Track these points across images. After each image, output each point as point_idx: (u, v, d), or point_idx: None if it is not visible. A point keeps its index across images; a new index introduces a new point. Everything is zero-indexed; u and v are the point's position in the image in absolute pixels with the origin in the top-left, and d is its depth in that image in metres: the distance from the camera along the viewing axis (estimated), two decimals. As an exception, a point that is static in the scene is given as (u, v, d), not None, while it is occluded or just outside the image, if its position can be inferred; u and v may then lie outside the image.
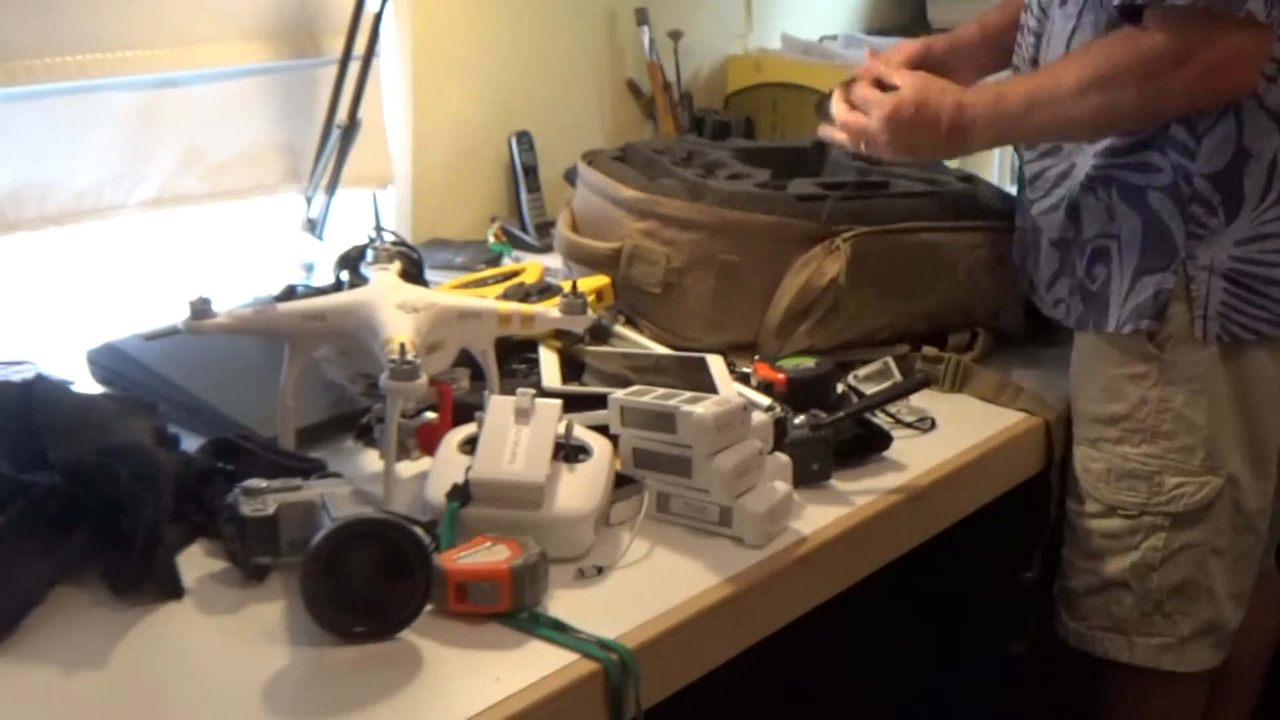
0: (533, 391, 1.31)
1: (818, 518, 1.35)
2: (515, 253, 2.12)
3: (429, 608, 1.11)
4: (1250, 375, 1.50)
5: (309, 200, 1.95)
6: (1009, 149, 2.28)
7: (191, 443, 1.34)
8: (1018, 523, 1.62)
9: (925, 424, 1.56)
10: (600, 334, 1.61)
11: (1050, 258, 1.63)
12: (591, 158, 1.86)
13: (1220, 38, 1.37)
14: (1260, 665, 1.85)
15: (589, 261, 1.75)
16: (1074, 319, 1.60)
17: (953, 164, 2.04)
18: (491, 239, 2.12)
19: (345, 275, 1.64)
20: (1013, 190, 1.89)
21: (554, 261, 1.92)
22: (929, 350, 1.68)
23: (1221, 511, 1.54)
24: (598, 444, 1.32)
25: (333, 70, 1.92)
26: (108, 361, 1.58)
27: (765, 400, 1.47)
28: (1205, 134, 1.45)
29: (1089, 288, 1.56)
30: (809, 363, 1.53)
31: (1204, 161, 1.46)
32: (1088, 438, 1.59)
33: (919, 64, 1.72)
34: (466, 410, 1.35)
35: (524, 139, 2.28)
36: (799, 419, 1.42)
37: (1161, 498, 1.54)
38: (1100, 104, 1.44)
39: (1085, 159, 1.56)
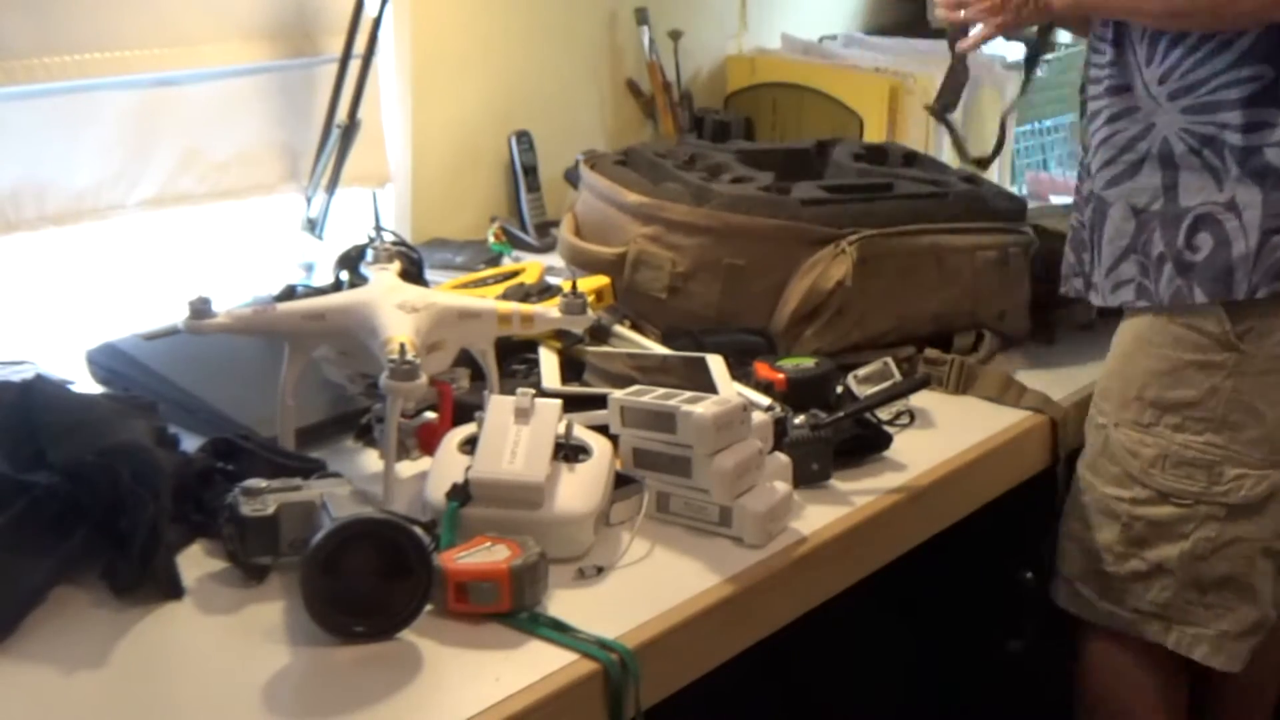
0: (533, 391, 1.31)
1: (817, 518, 1.35)
2: (515, 253, 2.12)
3: (429, 608, 1.11)
4: None
5: (309, 200, 1.95)
6: (1005, 152, 2.28)
7: (191, 443, 1.34)
8: (1017, 522, 1.62)
9: (904, 419, 1.56)
10: (600, 334, 1.61)
11: (1122, 231, 1.56)
12: (594, 161, 1.86)
13: None
14: (1277, 675, 1.81)
15: (593, 267, 1.75)
16: (1158, 295, 1.53)
17: (955, 164, 2.04)
18: (491, 239, 2.12)
19: (345, 275, 1.64)
20: (1014, 190, 1.89)
21: (554, 261, 1.92)
22: (931, 352, 1.68)
23: (1278, 507, 1.53)
24: (598, 444, 1.31)
25: (331, 70, 1.92)
26: (107, 361, 1.58)
27: (765, 400, 1.47)
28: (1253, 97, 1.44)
29: (1188, 258, 1.50)
30: (808, 363, 1.53)
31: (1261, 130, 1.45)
32: (1138, 421, 1.56)
33: None
34: (466, 410, 1.35)
35: (524, 139, 2.28)
36: (799, 419, 1.42)
37: (1220, 488, 1.53)
38: None
39: (1169, 118, 1.51)
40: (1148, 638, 1.58)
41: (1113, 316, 1.62)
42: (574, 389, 1.48)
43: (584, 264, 1.77)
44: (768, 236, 1.66)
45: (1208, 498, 1.53)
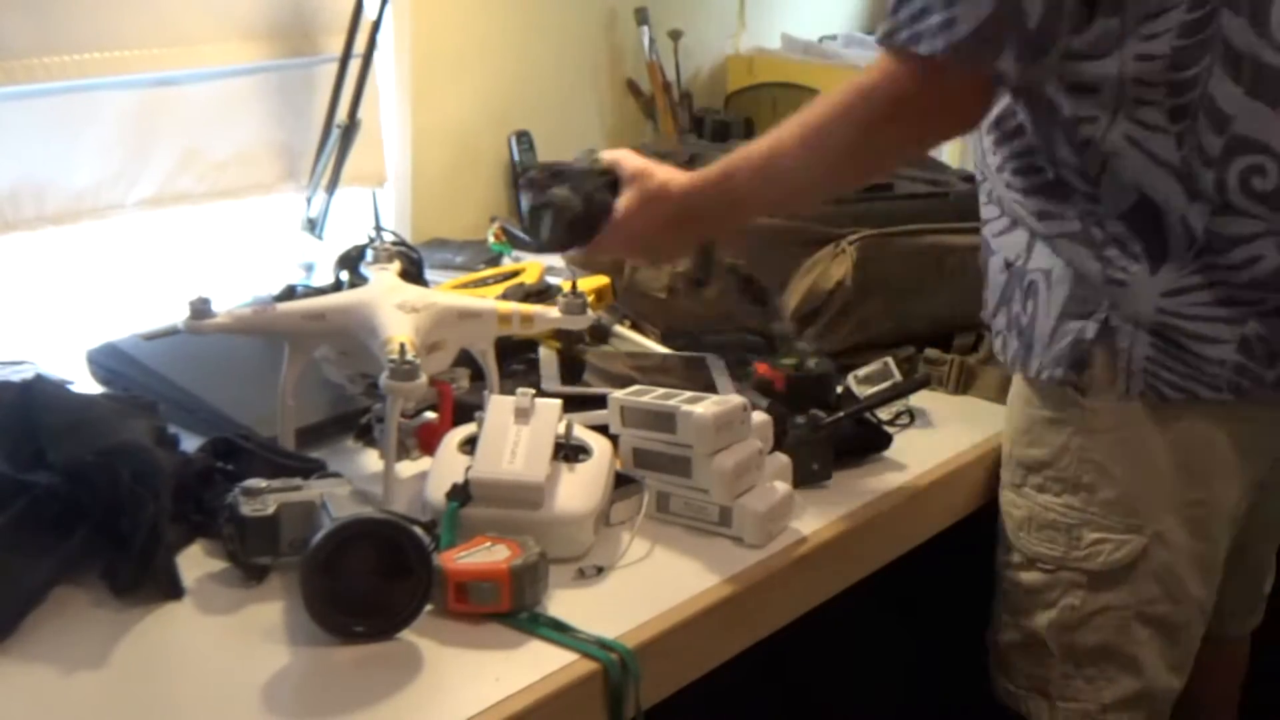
0: (532, 391, 1.31)
1: (817, 517, 1.35)
2: (515, 253, 2.12)
3: (429, 608, 1.11)
4: (1188, 435, 1.36)
5: (308, 200, 1.94)
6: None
7: (191, 442, 1.34)
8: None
9: (904, 420, 1.55)
10: (600, 334, 1.61)
11: (997, 282, 1.46)
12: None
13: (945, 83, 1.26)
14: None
15: (592, 266, 1.75)
16: (1008, 356, 1.45)
17: (954, 163, 2.04)
18: (491, 239, 2.12)
19: (344, 275, 1.64)
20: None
21: (554, 261, 1.92)
22: (932, 352, 1.68)
23: (1147, 574, 1.40)
24: (598, 444, 1.31)
25: (331, 70, 1.92)
26: (107, 361, 1.58)
27: (764, 400, 1.47)
28: (1099, 175, 1.31)
29: (1021, 323, 1.42)
30: (809, 362, 1.53)
31: (1111, 205, 1.32)
32: (1012, 482, 1.47)
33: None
34: (466, 410, 1.35)
35: (524, 139, 2.28)
36: (799, 419, 1.42)
37: (1079, 553, 1.41)
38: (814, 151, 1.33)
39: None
40: (1035, 718, 1.48)
41: None
42: (574, 389, 1.48)
43: (583, 263, 1.77)
44: (767, 236, 1.66)
45: (1069, 563, 1.42)
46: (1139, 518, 1.39)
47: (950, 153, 2.40)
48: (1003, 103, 1.37)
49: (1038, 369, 1.40)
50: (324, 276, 1.80)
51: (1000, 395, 1.62)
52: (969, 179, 1.86)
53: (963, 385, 1.65)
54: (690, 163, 1.82)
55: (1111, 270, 1.34)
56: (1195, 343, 1.32)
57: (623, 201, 1.45)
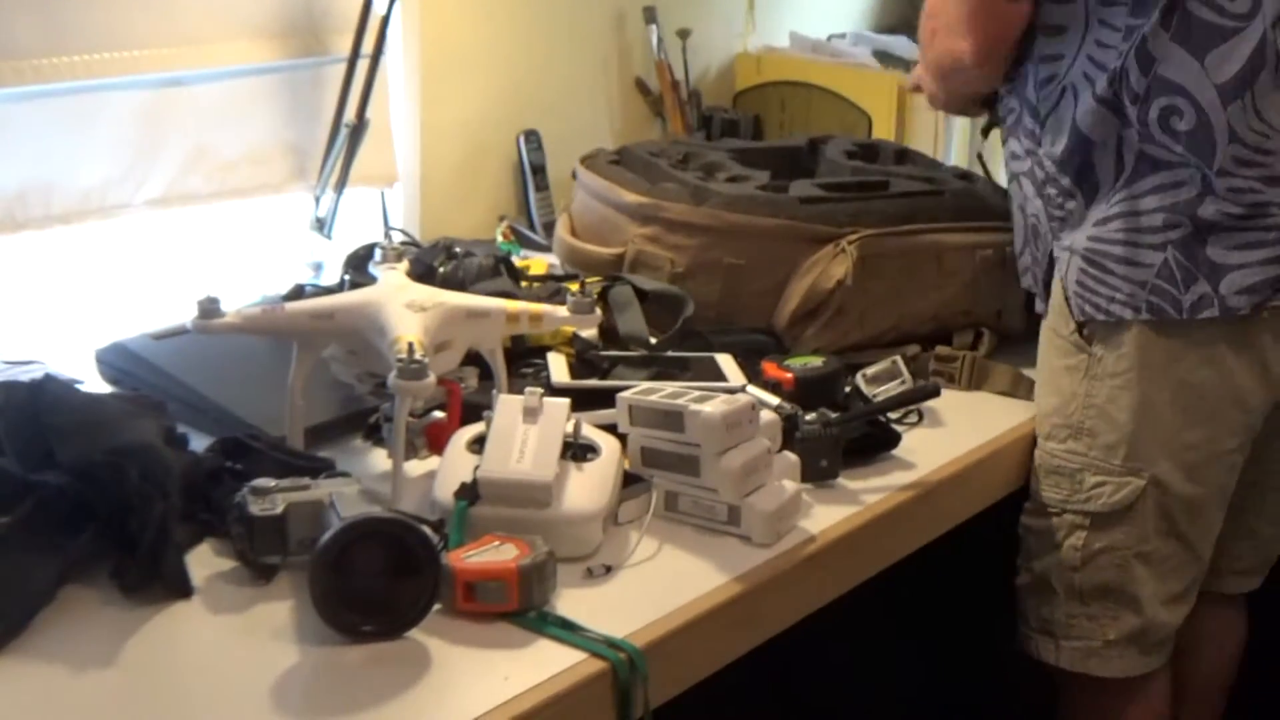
0: (541, 390, 1.31)
1: (826, 516, 1.35)
2: (523, 251, 2.12)
3: (437, 607, 1.11)
4: (1185, 376, 1.46)
5: (317, 199, 1.95)
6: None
7: (200, 442, 1.34)
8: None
9: (913, 418, 1.56)
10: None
11: (1018, 224, 1.64)
12: (589, 161, 1.86)
13: None
14: (1214, 709, 1.80)
15: (591, 267, 1.75)
16: (1036, 291, 1.62)
17: (961, 160, 2.04)
18: (500, 238, 2.12)
19: (350, 275, 1.64)
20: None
21: (553, 259, 1.92)
22: (943, 349, 1.68)
23: (1145, 515, 1.50)
24: (606, 443, 1.31)
25: (339, 69, 1.92)
26: (116, 361, 1.59)
27: (774, 399, 1.46)
28: (1047, 116, 1.49)
29: (1028, 262, 1.61)
30: (816, 362, 1.53)
31: (1049, 145, 1.49)
32: (1036, 431, 1.57)
33: None
34: (475, 409, 1.35)
35: (532, 138, 2.27)
36: (809, 416, 1.41)
37: (1081, 495, 1.51)
38: None
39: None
40: (1043, 658, 1.57)
41: None
42: (583, 383, 1.47)
43: (581, 264, 1.77)
44: (767, 235, 1.66)
45: (1072, 506, 1.52)
46: (1138, 460, 1.49)
47: (957, 150, 2.40)
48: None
49: (1043, 309, 1.57)
50: (333, 276, 1.80)
51: (1013, 388, 1.63)
52: (964, 176, 1.88)
53: (975, 381, 1.66)
54: (684, 161, 1.83)
55: (1052, 207, 1.52)
56: (1120, 265, 1.46)
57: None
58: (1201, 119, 1.40)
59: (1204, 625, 1.66)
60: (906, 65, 2.47)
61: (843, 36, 2.80)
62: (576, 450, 1.29)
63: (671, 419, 1.29)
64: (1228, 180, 1.41)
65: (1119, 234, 1.45)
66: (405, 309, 1.33)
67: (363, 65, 1.90)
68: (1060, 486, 1.53)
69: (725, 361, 1.53)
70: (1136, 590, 1.52)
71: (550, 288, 1.68)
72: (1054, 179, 1.50)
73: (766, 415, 1.36)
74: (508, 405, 1.29)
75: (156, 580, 1.15)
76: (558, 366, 1.50)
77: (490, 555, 1.14)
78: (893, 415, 1.53)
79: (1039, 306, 1.60)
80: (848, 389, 1.54)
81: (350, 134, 1.90)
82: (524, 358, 1.55)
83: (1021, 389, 1.64)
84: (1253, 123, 1.40)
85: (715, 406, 1.27)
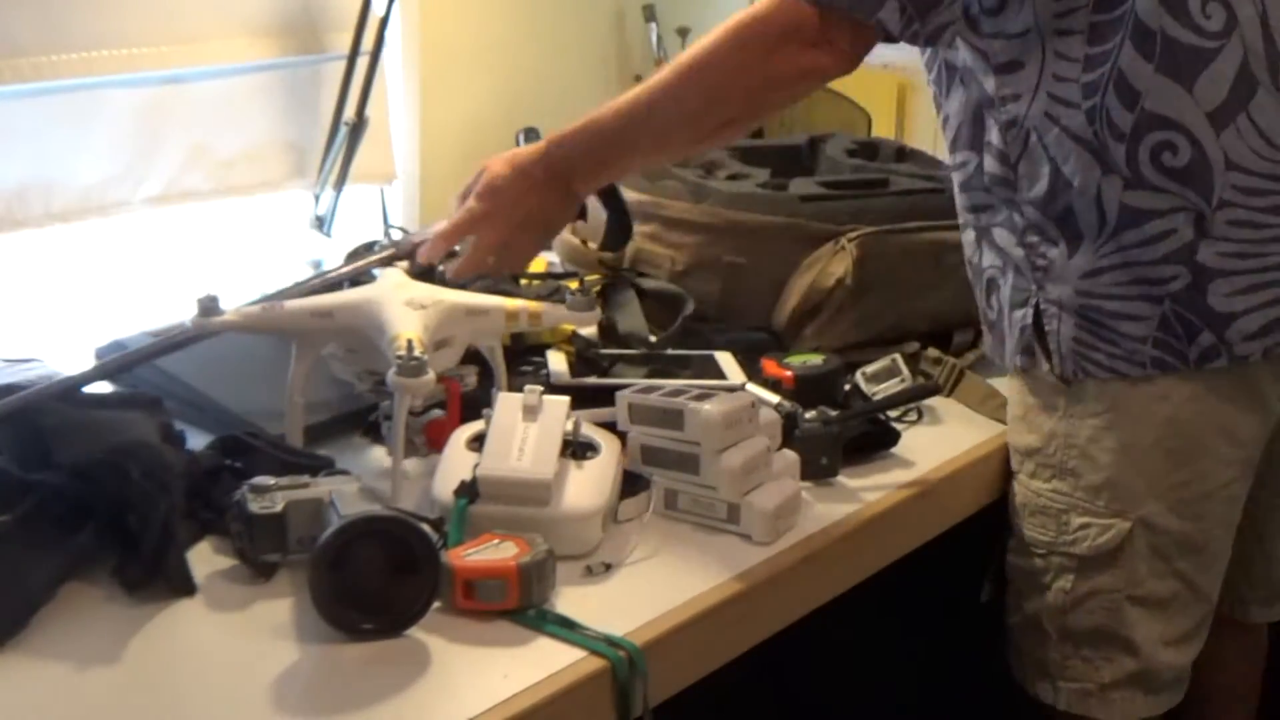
0: (540, 388, 1.31)
1: (825, 514, 1.35)
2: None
3: (437, 605, 1.11)
4: (1171, 414, 1.38)
5: (316, 197, 1.95)
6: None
7: (199, 440, 1.34)
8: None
9: (912, 416, 1.55)
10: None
11: (974, 283, 1.53)
12: None
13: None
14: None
15: (590, 265, 1.75)
16: (990, 351, 1.53)
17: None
18: (499, 236, 2.11)
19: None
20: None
21: (553, 258, 1.92)
22: (931, 352, 1.67)
23: (1136, 556, 1.41)
24: (605, 441, 1.31)
25: (338, 67, 1.92)
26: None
27: (773, 397, 1.46)
28: (1018, 160, 1.37)
29: (990, 318, 1.49)
30: (816, 359, 1.53)
31: (1027, 189, 1.38)
32: (1013, 469, 1.50)
33: None
34: (474, 407, 1.35)
35: (532, 135, 2.26)
36: (809, 414, 1.41)
37: (1067, 537, 1.44)
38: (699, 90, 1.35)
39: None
40: (1041, 699, 1.50)
41: None
42: (582, 380, 1.47)
43: (581, 263, 1.77)
44: (767, 233, 1.66)
45: (1058, 548, 1.45)
46: (1122, 502, 1.41)
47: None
48: (953, 104, 1.44)
49: (1010, 360, 1.46)
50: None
51: (981, 404, 1.60)
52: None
53: (952, 389, 1.63)
54: (684, 159, 1.82)
55: (1033, 255, 1.40)
56: (1117, 321, 1.36)
57: (482, 188, 1.46)
58: (1196, 152, 1.30)
59: (1224, 653, 1.58)
60: (907, 65, 2.47)
61: (842, 35, 2.80)
62: (576, 448, 1.29)
63: (671, 417, 1.29)
64: (1229, 213, 1.32)
65: (1113, 288, 1.36)
66: (405, 306, 1.33)
67: (362, 63, 1.90)
68: (1046, 528, 1.45)
69: (725, 359, 1.53)
70: (1130, 634, 1.44)
71: (550, 285, 1.68)
72: (1036, 225, 1.38)
73: (766, 413, 1.36)
74: (507, 403, 1.29)
75: (159, 578, 1.15)
76: (557, 364, 1.51)
77: (490, 553, 1.14)
78: (892, 413, 1.53)
79: (1014, 360, 1.46)
80: (847, 387, 1.54)
81: (349, 132, 1.90)
82: (523, 355, 1.55)
83: (988, 407, 1.59)
84: (1258, 147, 1.31)
85: (715, 405, 1.27)
